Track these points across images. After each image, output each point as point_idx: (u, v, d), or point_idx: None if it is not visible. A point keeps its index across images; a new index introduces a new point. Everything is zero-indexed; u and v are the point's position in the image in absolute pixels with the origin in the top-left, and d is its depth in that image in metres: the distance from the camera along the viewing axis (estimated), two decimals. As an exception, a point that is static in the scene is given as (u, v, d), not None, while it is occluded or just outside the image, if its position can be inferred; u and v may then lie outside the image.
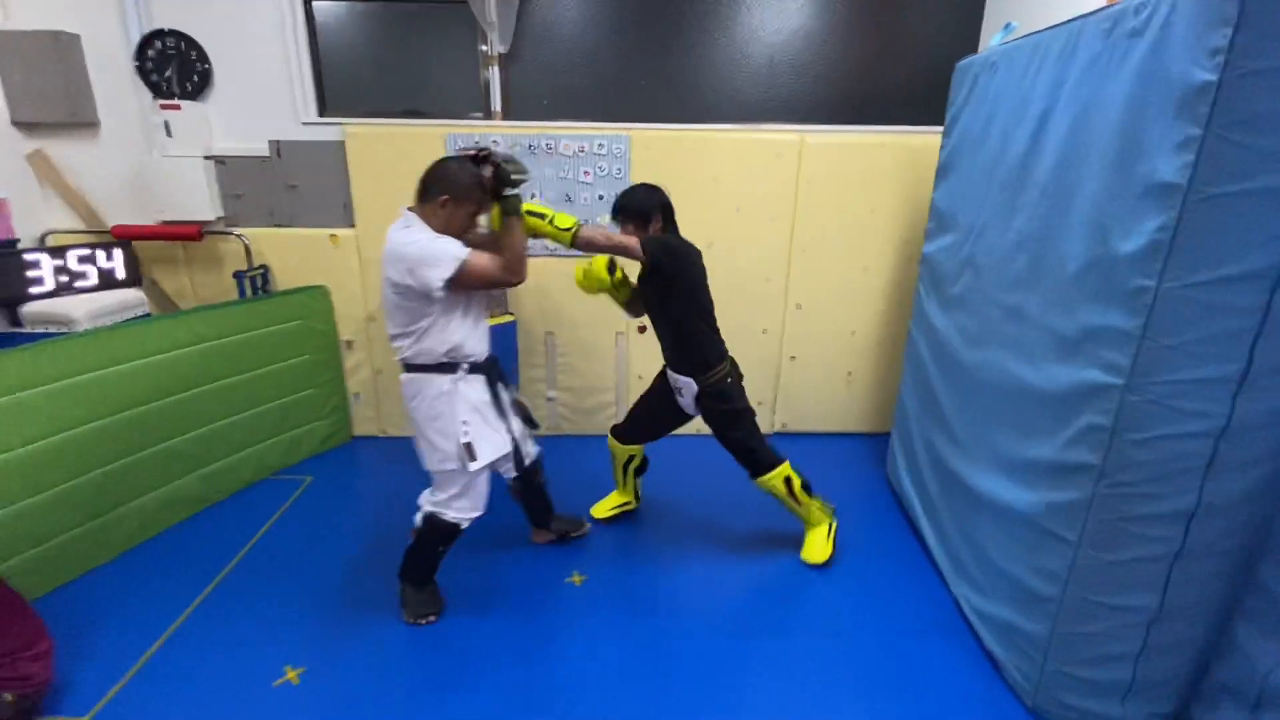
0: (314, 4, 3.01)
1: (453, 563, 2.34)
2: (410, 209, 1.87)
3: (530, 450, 2.27)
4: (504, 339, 3.06)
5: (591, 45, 3.10)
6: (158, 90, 2.96)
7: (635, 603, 2.25)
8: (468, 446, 1.91)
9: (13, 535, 2.11)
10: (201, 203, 3.04)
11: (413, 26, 3.12)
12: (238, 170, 3.09)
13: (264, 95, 3.02)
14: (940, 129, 3.02)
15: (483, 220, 1.98)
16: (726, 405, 2.32)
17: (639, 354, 3.41)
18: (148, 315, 2.67)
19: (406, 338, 1.88)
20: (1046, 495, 1.73)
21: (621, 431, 2.61)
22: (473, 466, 1.92)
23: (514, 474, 2.17)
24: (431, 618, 2.12)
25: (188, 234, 3.05)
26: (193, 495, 2.70)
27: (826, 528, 2.51)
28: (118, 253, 2.56)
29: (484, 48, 3.07)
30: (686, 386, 2.32)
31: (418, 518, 2.06)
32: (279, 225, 3.18)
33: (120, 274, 2.58)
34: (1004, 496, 1.94)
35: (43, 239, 3.03)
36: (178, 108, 2.93)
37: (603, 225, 2.14)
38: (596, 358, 3.41)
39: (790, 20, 3.08)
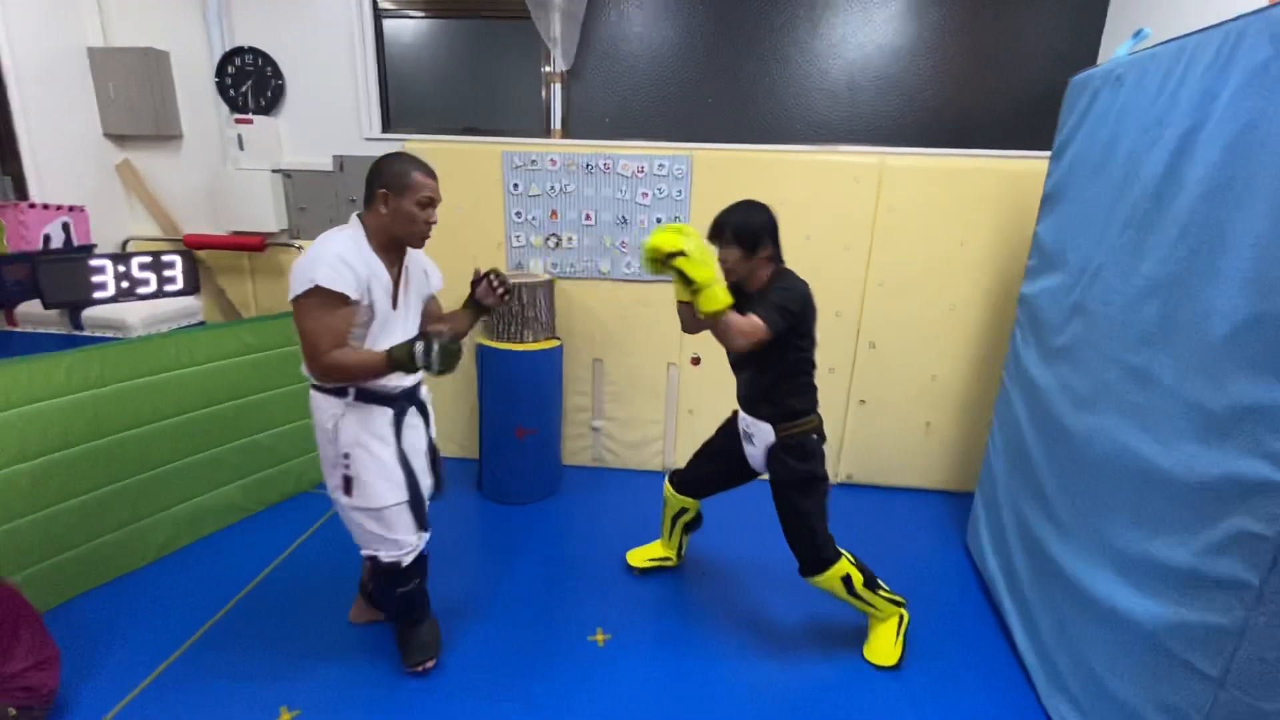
0: (384, 21, 3.02)
1: (458, 617, 2.19)
2: (359, 215, 1.67)
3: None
4: (549, 364, 2.92)
5: (657, 63, 2.95)
6: (234, 105, 3.05)
7: (662, 676, 1.99)
8: (346, 481, 1.69)
9: (48, 537, 2.12)
10: (267, 214, 3.09)
11: (477, 43, 3.09)
12: (303, 183, 3.13)
13: (331, 110, 3.06)
14: (1046, 153, 2.66)
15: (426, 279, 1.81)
16: (804, 466, 1.92)
17: (692, 388, 3.18)
18: (201, 324, 2.70)
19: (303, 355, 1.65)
20: (1178, 611, 1.37)
21: (680, 480, 2.33)
22: (344, 501, 1.70)
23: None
24: (429, 663, 1.91)
25: (252, 244, 3.11)
26: (231, 505, 2.69)
27: (896, 623, 2.12)
28: (178, 261, 2.61)
29: (547, 68, 2.98)
30: (760, 434, 1.96)
31: (366, 561, 1.85)
32: (338, 239, 3.19)
33: (179, 282, 2.62)
34: (1118, 601, 1.57)
35: (124, 245, 3.17)
36: (251, 122, 3.00)
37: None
38: (646, 389, 3.21)
39: (876, 35, 2.81)
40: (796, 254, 2.89)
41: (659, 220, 2.98)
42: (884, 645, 2.08)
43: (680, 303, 1.93)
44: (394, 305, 1.69)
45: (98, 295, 2.41)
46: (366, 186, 1.63)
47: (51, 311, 2.37)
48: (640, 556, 2.48)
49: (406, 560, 1.79)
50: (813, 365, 1.95)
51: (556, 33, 2.82)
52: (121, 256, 2.47)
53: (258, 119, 3.01)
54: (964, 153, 2.83)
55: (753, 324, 1.72)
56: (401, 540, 1.77)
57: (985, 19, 2.77)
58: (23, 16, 2.71)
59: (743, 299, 1.87)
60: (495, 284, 1.81)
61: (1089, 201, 1.93)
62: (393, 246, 1.66)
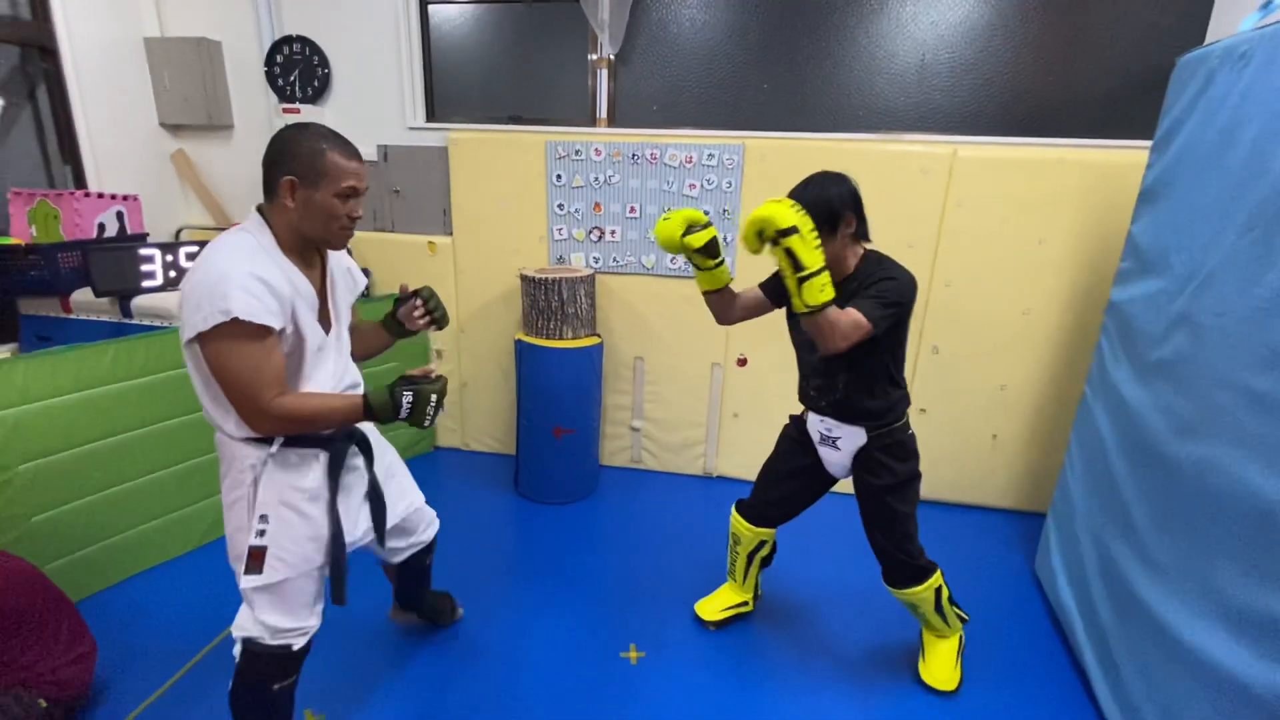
0: (429, 7, 2.95)
1: (485, 624, 2.11)
2: (259, 208, 1.30)
3: (417, 536, 1.75)
4: (588, 361, 2.82)
5: (709, 47, 2.79)
6: (282, 94, 3.05)
7: (698, 702, 1.87)
8: (254, 554, 1.30)
9: (93, 523, 2.15)
10: (313, 205, 3.08)
11: (522, 29, 2.99)
12: (348, 174, 3.11)
13: (376, 99, 3.02)
14: (1143, 143, 2.40)
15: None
16: (906, 465, 1.76)
17: (737, 389, 3.03)
18: (247, 314, 2.71)
19: (205, 389, 1.28)
20: (1307, 684, 1.16)
21: (754, 510, 2.01)
22: (244, 582, 1.32)
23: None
24: None
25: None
26: (271, 496, 2.69)
27: (957, 644, 1.97)
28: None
29: (593, 56, 2.86)
30: (849, 437, 1.76)
31: (235, 648, 1.39)
32: (381, 229, 3.16)
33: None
34: (1222, 658, 1.36)
35: (177, 234, 3.22)
36: (298, 111, 2.99)
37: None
38: (689, 389, 3.08)
39: (951, 12, 2.58)
40: (855, 251, 2.72)
41: (706, 212, 2.82)
42: (944, 668, 1.92)
43: (709, 292, 1.70)
44: (325, 327, 1.37)
45: (146, 284, 2.43)
46: (265, 170, 1.24)
47: (103, 299, 2.40)
48: (713, 608, 2.13)
49: (297, 645, 1.39)
50: (904, 354, 1.73)
51: (605, 16, 2.69)
52: (170, 245, 2.49)
53: (305, 108, 2.99)
54: (1045, 142, 2.57)
55: (855, 321, 1.48)
56: (298, 619, 1.38)
57: (1075, -6, 2.50)
58: (83, 8, 2.75)
59: (784, 291, 1.67)
60: (420, 308, 1.54)
61: (1199, 198, 1.69)
62: (307, 248, 1.31)
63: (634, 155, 2.81)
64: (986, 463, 2.90)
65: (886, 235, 2.68)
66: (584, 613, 2.20)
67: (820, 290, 1.40)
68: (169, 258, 2.48)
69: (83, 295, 2.47)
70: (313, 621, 1.42)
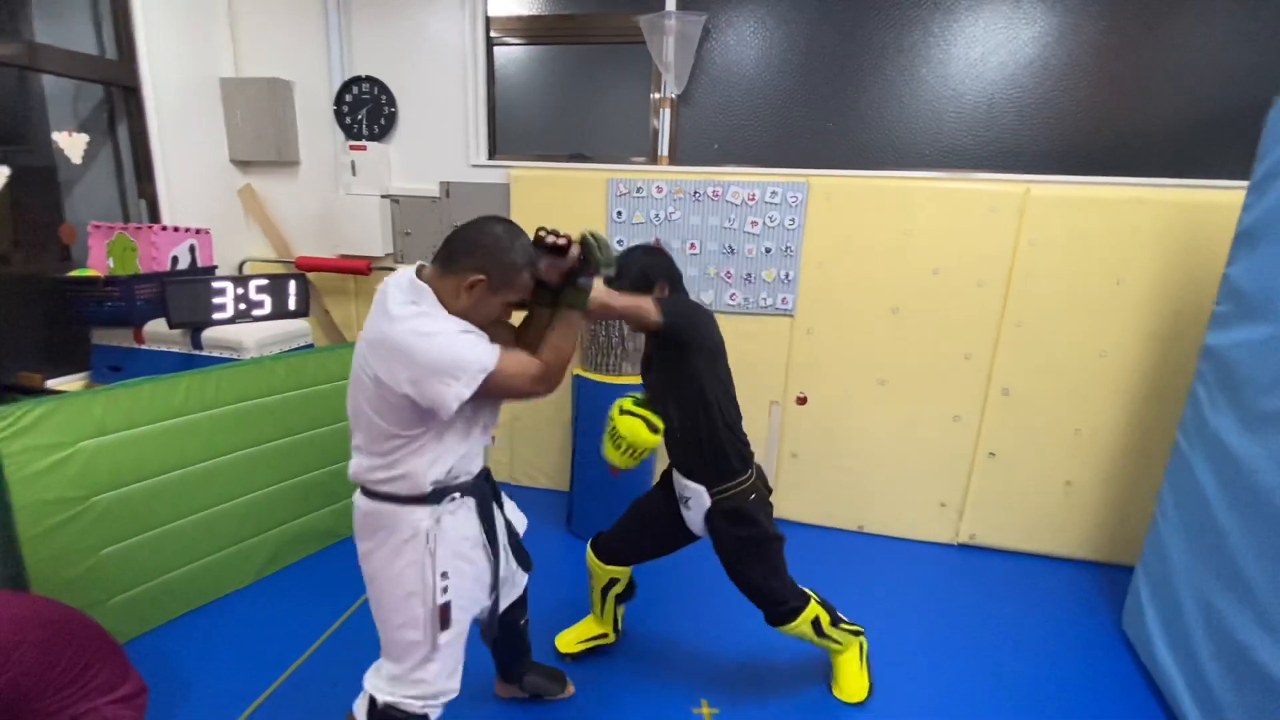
0: (495, 48, 3.02)
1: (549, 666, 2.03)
2: (422, 271, 1.31)
3: (515, 586, 1.69)
4: (647, 399, 2.77)
5: (773, 86, 2.80)
6: (350, 132, 3.12)
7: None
8: (444, 610, 1.33)
9: (158, 556, 2.14)
10: (374, 239, 3.12)
11: (587, 69, 3.04)
12: (409, 209, 3.15)
13: (440, 136, 3.07)
14: (1228, 183, 2.34)
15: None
16: (745, 532, 1.75)
17: (796, 428, 2.96)
18: (310, 345, 2.72)
19: (377, 455, 1.31)
20: None
21: (604, 547, 1.99)
22: (442, 639, 1.35)
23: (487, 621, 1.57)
24: None
25: (358, 268, 3.15)
26: (324, 529, 2.67)
27: (858, 652, 1.99)
28: (293, 284, 2.65)
29: (656, 95, 2.89)
30: (696, 498, 1.77)
31: (359, 709, 1.41)
32: (439, 264, 3.18)
33: (292, 304, 2.66)
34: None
35: (240, 266, 3.28)
36: (364, 148, 3.06)
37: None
38: (746, 428, 3.00)
39: (1021, 53, 2.56)
40: (922, 289, 2.68)
41: (767, 250, 2.80)
42: (851, 680, 1.98)
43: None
44: None
45: (217, 316, 2.46)
46: (457, 250, 1.27)
47: (174, 331, 2.43)
48: (570, 640, 2.11)
49: (436, 711, 1.42)
50: (736, 406, 1.79)
51: (670, 57, 2.73)
52: (241, 279, 2.52)
53: (371, 145, 3.06)
54: (1121, 181, 2.52)
55: (639, 299, 1.64)
56: (453, 680, 1.42)
57: (1152, 33, 2.47)
58: (166, 50, 2.86)
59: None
60: (555, 242, 1.36)
61: (1314, 241, 1.62)
62: None
63: (695, 192, 2.81)
64: (1060, 511, 2.77)
65: (956, 274, 2.65)
66: (651, 664, 2.11)
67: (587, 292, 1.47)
68: (239, 290, 2.51)
69: (155, 326, 2.51)
70: (457, 687, 1.45)
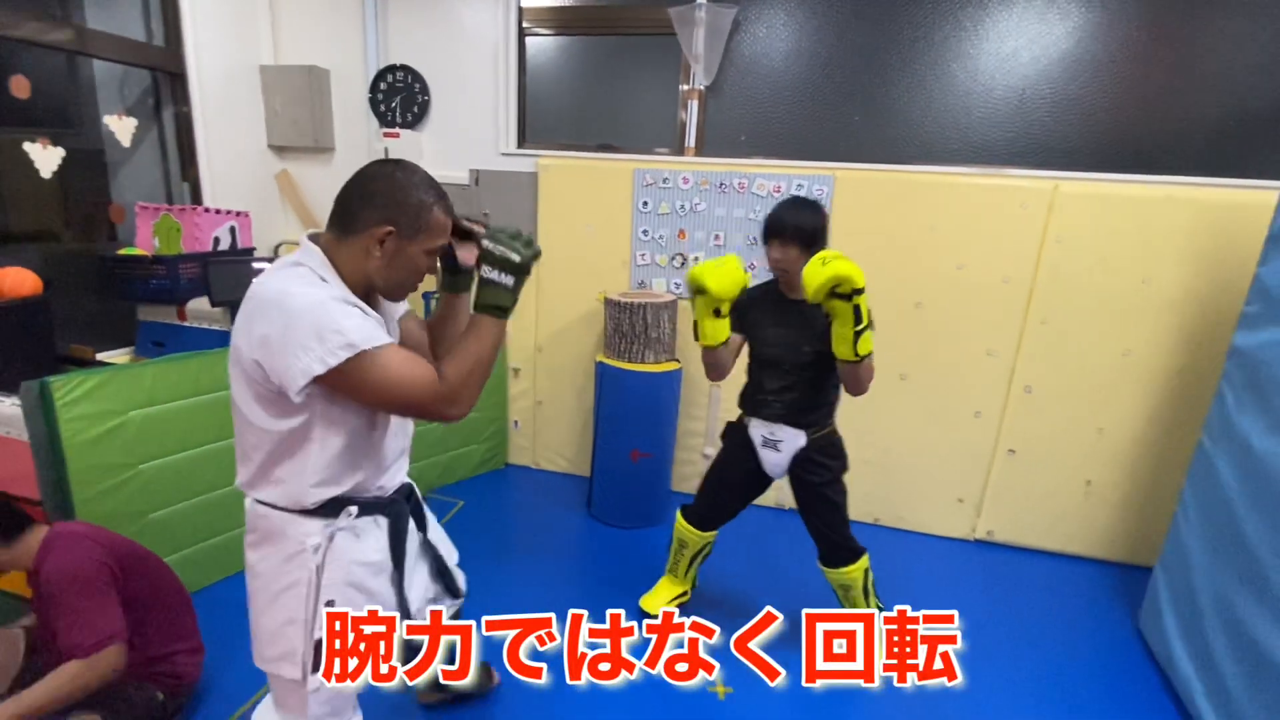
0: (526, 38, 3.07)
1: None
2: (316, 237, 1.13)
3: (447, 609, 1.45)
4: (668, 386, 2.82)
5: (802, 78, 2.81)
6: (383, 119, 3.19)
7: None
8: (319, 648, 1.12)
9: (199, 522, 2.23)
10: (405, 224, 3.19)
11: (616, 60, 3.08)
12: (439, 196, 3.22)
13: (471, 125, 3.13)
14: (1262, 183, 2.32)
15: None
16: (837, 462, 1.98)
17: (816, 421, 2.98)
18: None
19: (249, 454, 1.13)
20: None
21: (702, 516, 2.16)
22: (312, 683, 1.15)
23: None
24: None
25: (389, 253, 3.23)
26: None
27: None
28: (327, 267, 2.73)
29: (684, 86, 2.92)
30: (790, 440, 1.95)
31: None
32: (468, 250, 3.25)
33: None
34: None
35: (276, 249, 3.38)
36: (397, 135, 3.12)
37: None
38: (766, 419, 3.04)
39: (1054, 48, 2.54)
40: (946, 283, 2.69)
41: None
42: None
43: (713, 348, 1.84)
44: None
45: (256, 296, 2.55)
46: (351, 206, 1.09)
47: (216, 309, 2.53)
48: (656, 602, 2.25)
49: None
50: None
51: (700, 48, 2.75)
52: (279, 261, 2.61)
53: (404, 133, 3.12)
54: (1152, 179, 2.50)
55: (872, 367, 1.74)
56: (345, 715, 1.26)
57: (1187, 30, 2.44)
58: (210, 37, 2.95)
59: (746, 318, 1.95)
60: (469, 229, 1.23)
61: (1348, 241, 1.61)
62: (370, 294, 1.15)
63: (721, 184, 2.84)
64: (1080, 510, 2.77)
65: (981, 270, 2.65)
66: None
67: (869, 341, 1.66)
68: (278, 271, 2.60)
69: (196, 304, 2.61)
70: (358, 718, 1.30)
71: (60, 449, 1.87)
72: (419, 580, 1.34)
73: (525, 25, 3.04)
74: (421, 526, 1.37)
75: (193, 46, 2.90)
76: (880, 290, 2.76)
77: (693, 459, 3.17)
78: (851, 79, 2.76)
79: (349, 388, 1.05)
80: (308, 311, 1.00)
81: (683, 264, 2.98)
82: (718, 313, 1.78)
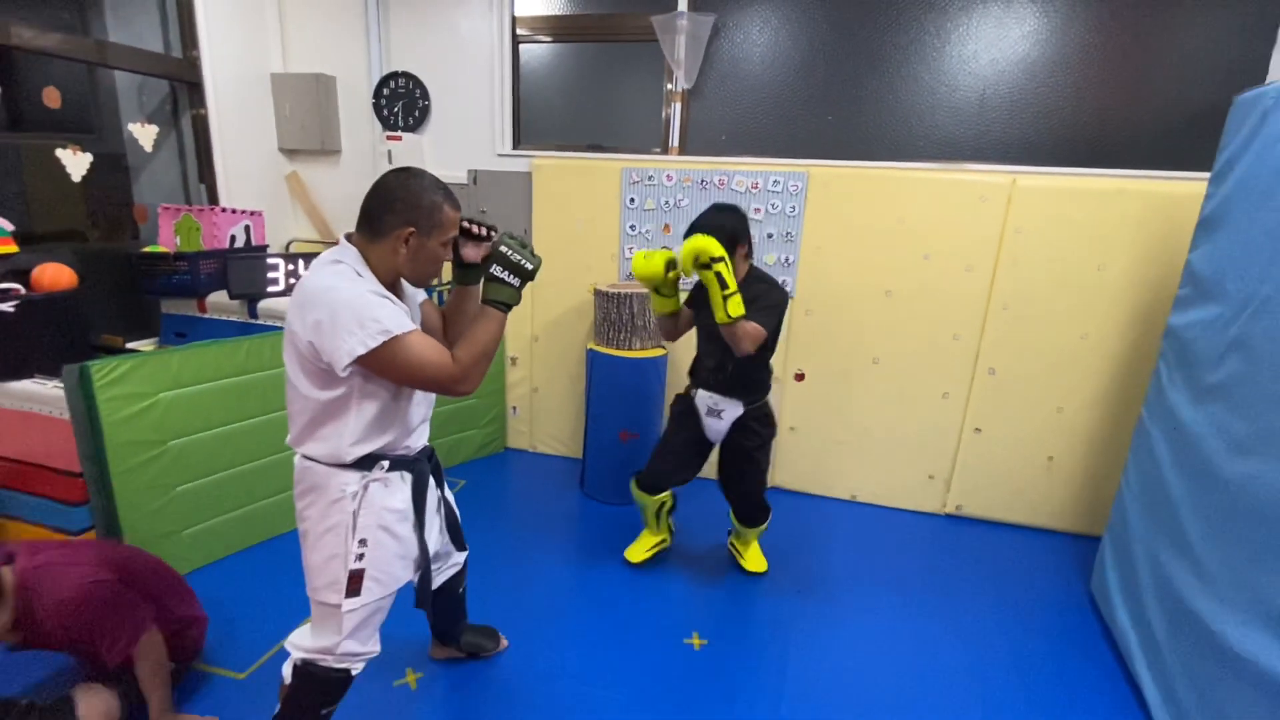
0: (520, 46, 3.26)
1: (559, 616, 2.28)
2: (350, 237, 1.35)
3: (451, 564, 1.79)
4: (654, 371, 3.01)
5: (777, 81, 2.99)
6: (387, 123, 3.39)
7: (767, 676, 2.01)
8: (354, 577, 1.36)
9: (219, 497, 2.44)
10: (408, 222, 3.39)
11: (604, 65, 3.26)
12: (440, 194, 3.41)
13: (469, 128, 3.32)
14: (1202, 175, 2.48)
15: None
16: (768, 431, 2.30)
17: (794, 403, 3.17)
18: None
19: (300, 417, 1.34)
20: (1352, 683, 1.24)
21: (653, 483, 2.41)
22: (346, 606, 1.37)
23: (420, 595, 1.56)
24: None
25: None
26: (363, 483, 2.96)
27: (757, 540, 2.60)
28: (335, 262, 2.93)
29: (669, 85, 3.10)
30: (730, 409, 2.25)
31: (286, 669, 1.46)
32: (467, 245, 3.45)
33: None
34: (1275, 665, 1.43)
35: (287, 246, 3.59)
36: (399, 139, 3.32)
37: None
38: (748, 402, 3.22)
39: (1011, 50, 2.71)
40: (912, 273, 2.87)
41: (770, 236, 3.00)
42: (757, 556, 2.57)
43: (662, 316, 2.21)
44: None
45: (272, 289, 2.76)
46: (376, 213, 1.30)
47: (234, 302, 2.73)
48: (638, 551, 2.58)
49: (357, 669, 1.46)
50: (775, 350, 2.27)
51: (681, 54, 2.93)
52: (291, 256, 2.81)
53: (406, 136, 3.32)
54: (1104, 173, 2.66)
55: (757, 329, 2.01)
56: (370, 643, 1.46)
57: (1135, 34, 2.60)
58: (224, 48, 3.15)
59: (700, 301, 2.17)
60: (475, 232, 1.44)
61: (1255, 228, 1.78)
62: (397, 283, 1.38)
63: (703, 181, 3.02)
64: (1042, 484, 2.94)
65: (946, 260, 2.82)
66: (650, 604, 2.36)
67: (739, 305, 1.91)
68: (290, 266, 2.81)
69: (216, 298, 2.81)
70: (377, 648, 1.49)
71: (99, 426, 2.07)
72: (434, 530, 1.57)
73: (519, 33, 3.23)
74: (440, 484, 1.60)
75: (209, 57, 3.10)
76: (853, 279, 2.96)
77: (680, 441, 3.36)
78: (824, 81, 2.93)
79: (382, 366, 1.26)
80: (351, 302, 1.22)
81: (668, 257, 3.17)
82: (658, 291, 2.12)
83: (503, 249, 1.38)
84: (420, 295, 1.53)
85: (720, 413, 2.27)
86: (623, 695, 1.93)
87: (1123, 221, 2.61)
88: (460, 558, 1.81)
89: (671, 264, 2.02)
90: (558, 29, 3.21)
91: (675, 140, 3.16)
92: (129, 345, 2.74)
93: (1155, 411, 2.20)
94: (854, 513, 3.12)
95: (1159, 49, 2.61)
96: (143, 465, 2.19)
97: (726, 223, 2.06)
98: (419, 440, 1.48)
